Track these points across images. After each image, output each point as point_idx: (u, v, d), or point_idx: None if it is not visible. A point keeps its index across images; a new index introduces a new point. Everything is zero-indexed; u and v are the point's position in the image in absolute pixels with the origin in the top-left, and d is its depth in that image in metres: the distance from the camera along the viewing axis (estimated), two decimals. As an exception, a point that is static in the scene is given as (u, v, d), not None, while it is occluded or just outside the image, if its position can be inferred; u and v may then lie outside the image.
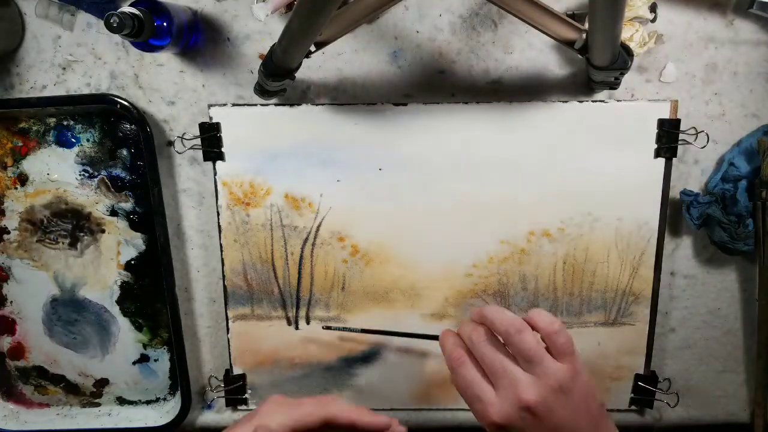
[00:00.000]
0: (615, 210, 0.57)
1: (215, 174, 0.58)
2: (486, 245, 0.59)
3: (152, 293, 0.63)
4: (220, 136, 0.57)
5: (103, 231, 0.62)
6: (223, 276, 0.61)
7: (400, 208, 0.58)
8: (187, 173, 0.60)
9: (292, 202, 0.59)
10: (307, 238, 0.60)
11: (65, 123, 0.60)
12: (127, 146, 0.60)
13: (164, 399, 0.67)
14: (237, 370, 0.63)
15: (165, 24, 0.50)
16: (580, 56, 0.48)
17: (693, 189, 0.58)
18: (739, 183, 0.56)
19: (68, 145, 0.60)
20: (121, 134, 0.60)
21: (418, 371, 0.63)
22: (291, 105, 0.57)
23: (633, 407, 0.63)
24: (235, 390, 0.63)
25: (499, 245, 0.59)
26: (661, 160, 0.56)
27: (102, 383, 0.67)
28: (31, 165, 0.61)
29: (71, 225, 0.62)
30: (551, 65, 0.56)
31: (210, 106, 0.57)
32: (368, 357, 0.62)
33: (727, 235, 0.56)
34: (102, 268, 0.63)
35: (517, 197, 0.58)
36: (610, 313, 0.60)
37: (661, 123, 0.55)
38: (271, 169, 0.58)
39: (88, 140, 0.60)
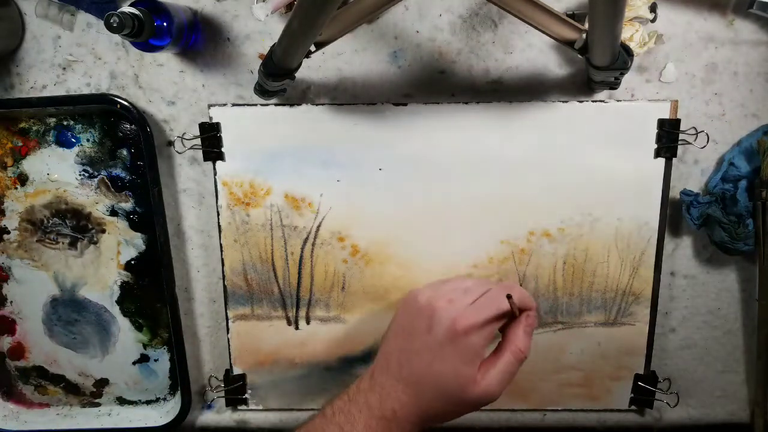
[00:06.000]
0: (615, 210, 0.57)
1: (215, 174, 0.58)
2: (486, 245, 0.59)
3: (152, 293, 0.63)
4: (220, 136, 0.57)
5: (103, 231, 0.62)
6: (223, 276, 0.61)
7: (400, 208, 0.58)
8: (187, 173, 0.60)
9: (292, 202, 0.59)
10: (307, 238, 0.60)
11: (65, 123, 0.60)
12: (127, 146, 0.60)
13: (164, 399, 0.67)
14: (237, 370, 0.63)
15: (165, 24, 0.50)
16: (580, 56, 0.48)
17: (693, 189, 0.58)
18: (739, 183, 0.56)
19: (68, 145, 0.60)
20: (121, 134, 0.60)
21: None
22: (291, 105, 0.57)
23: (633, 407, 0.63)
24: (235, 390, 0.63)
25: (499, 245, 0.59)
26: (661, 160, 0.56)
27: (102, 383, 0.67)
28: (31, 165, 0.61)
29: (71, 225, 0.62)
30: (551, 65, 0.56)
31: (210, 106, 0.57)
32: (368, 357, 0.62)
33: (727, 235, 0.56)
34: (102, 268, 0.63)
35: (517, 197, 0.58)
36: (610, 313, 0.60)
37: (661, 123, 0.55)
38: (271, 169, 0.58)
39: (88, 140, 0.60)
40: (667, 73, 0.56)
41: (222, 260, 0.60)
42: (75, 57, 0.58)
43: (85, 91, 0.59)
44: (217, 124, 0.57)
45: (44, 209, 0.62)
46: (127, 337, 0.65)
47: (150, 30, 0.48)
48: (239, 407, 0.65)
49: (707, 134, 0.55)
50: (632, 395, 0.62)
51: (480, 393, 0.45)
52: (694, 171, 0.58)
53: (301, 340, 0.62)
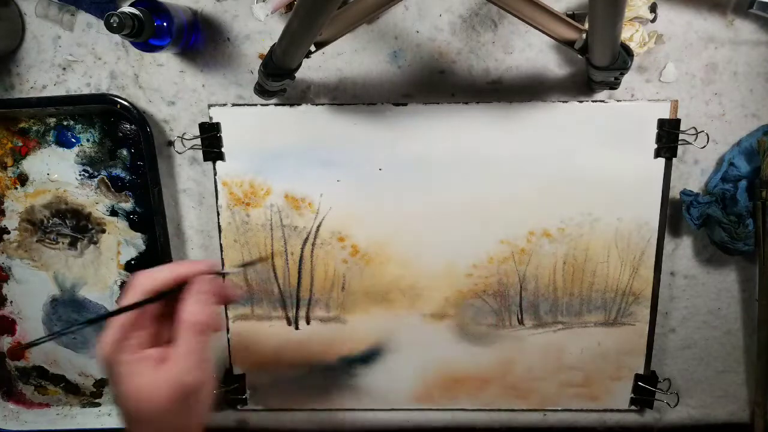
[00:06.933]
0: (615, 210, 0.57)
1: (215, 174, 0.58)
2: (486, 245, 0.59)
3: (152, 293, 0.63)
4: (220, 136, 0.57)
5: (103, 231, 0.62)
6: (223, 276, 0.61)
7: (400, 208, 0.58)
8: (187, 173, 0.60)
9: (292, 202, 0.59)
10: (307, 238, 0.60)
11: (65, 123, 0.60)
12: (127, 146, 0.60)
13: (164, 399, 0.67)
14: (237, 370, 0.63)
15: (165, 24, 0.50)
16: (580, 56, 0.48)
17: (693, 189, 0.58)
18: (739, 183, 0.56)
19: (68, 145, 0.60)
20: (121, 134, 0.60)
21: (418, 371, 0.63)
22: (291, 105, 0.57)
23: (633, 407, 0.63)
24: (235, 390, 0.63)
25: (499, 245, 0.59)
26: (661, 160, 0.56)
27: (102, 383, 0.67)
28: (31, 165, 0.61)
29: (71, 225, 0.62)
30: (551, 65, 0.56)
31: (210, 106, 0.57)
32: (368, 357, 0.62)
33: (727, 235, 0.56)
34: (102, 268, 0.63)
35: (517, 197, 0.58)
36: (610, 313, 0.60)
37: (661, 123, 0.55)
38: (271, 169, 0.58)
39: (88, 140, 0.60)
40: (667, 73, 0.56)
41: (222, 260, 0.60)
42: (75, 57, 0.58)
43: (85, 91, 0.59)
44: (217, 124, 0.57)
45: (44, 209, 0.62)
46: (127, 337, 0.65)
47: (150, 30, 0.48)
48: (239, 407, 0.65)
49: (707, 134, 0.55)
50: (632, 395, 0.62)
51: (169, 389, 0.39)
52: (694, 171, 0.58)
53: (301, 340, 0.62)
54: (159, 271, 0.41)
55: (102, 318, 0.40)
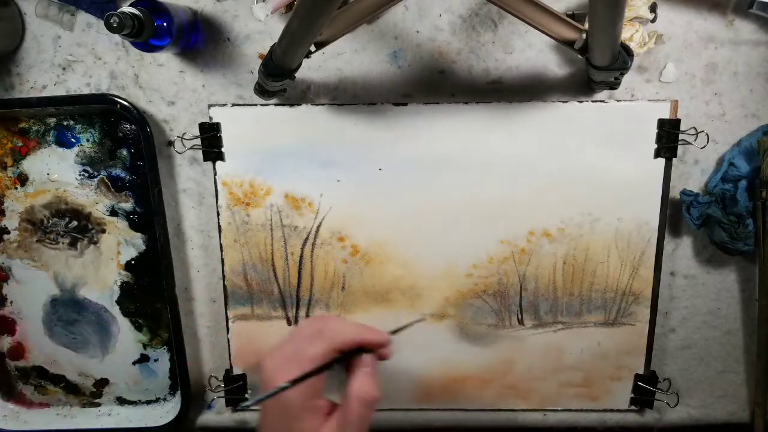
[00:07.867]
0: (615, 210, 0.57)
1: (215, 174, 0.58)
2: (486, 245, 0.59)
3: (152, 293, 0.63)
4: (220, 136, 0.57)
5: (103, 231, 0.62)
6: (223, 276, 0.61)
7: (400, 208, 0.58)
8: (187, 173, 0.60)
9: (292, 202, 0.59)
10: (307, 238, 0.60)
11: (65, 123, 0.60)
12: (127, 146, 0.60)
13: (164, 399, 0.67)
14: (237, 370, 0.63)
15: (165, 24, 0.50)
16: (580, 56, 0.48)
17: (693, 189, 0.58)
18: (739, 183, 0.56)
19: (68, 145, 0.60)
20: (121, 134, 0.60)
21: (418, 371, 0.63)
22: (291, 105, 0.57)
23: (633, 407, 0.63)
24: (235, 390, 0.63)
25: (499, 245, 0.59)
26: (661, 160, 0.56)
27: (102, 383, 0.67)
28: (31, 165, 0.61)
29: (71, 225, 0.62)
30: (551, 65, 0.56)
31: (210, 106, 0.57)
32: (368, 357, 0.62)
33: (727, 235, 0.56)
34: (102, 268, 0.63)
35: (517, 197, 0.58)
36: (610, 313, 0.60)
37: (661, 123, 0.55)
38: (271, 169, 0.58)
39: (88, 140, 0.60)
40: (667, 73, 0.56)
41: (222, 260, 0.60)
42: (75, 57, 0.58)
43: (85, 91, 0.59)
44: (217, 124, 0.57)
45: (44, 209, 0.62)
46: (127, 337, 0.65)
47: (150, 30, 0.48)
48: (239, 407, 0.65)
49: (707, 134, 0.55)
50: (632, 395, 0.62)
51: None
52: (694, 171, 0.58)
53: (301, 340, 0.62)
54: (350, 329, 0.43)
55: (306, 377, 0.41)
